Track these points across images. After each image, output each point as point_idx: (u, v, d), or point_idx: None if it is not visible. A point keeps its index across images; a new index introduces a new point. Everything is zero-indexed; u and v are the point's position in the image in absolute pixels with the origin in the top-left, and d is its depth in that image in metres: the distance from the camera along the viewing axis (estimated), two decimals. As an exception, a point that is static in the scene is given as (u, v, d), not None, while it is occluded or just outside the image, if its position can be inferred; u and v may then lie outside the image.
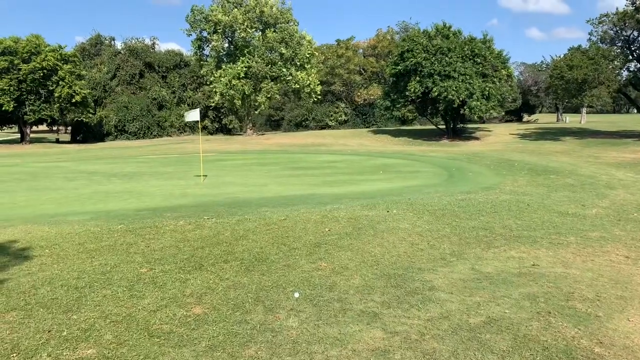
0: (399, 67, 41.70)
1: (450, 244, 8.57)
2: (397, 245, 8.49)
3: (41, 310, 5.79)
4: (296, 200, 12.88)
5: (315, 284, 6.62)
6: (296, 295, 6.20)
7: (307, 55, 53.61)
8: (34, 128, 58.75)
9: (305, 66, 53.54)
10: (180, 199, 13.72)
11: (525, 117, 75.66)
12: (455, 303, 5.98)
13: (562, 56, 42.04)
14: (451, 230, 9.58)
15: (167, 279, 6.83)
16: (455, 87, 38.88)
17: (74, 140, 58.22)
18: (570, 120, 63.73)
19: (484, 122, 60.73)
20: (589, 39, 40.38)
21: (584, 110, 62.65)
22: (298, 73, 52.63)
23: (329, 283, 6.64)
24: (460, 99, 39.08)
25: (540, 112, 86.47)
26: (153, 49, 67.71)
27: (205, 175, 19.15)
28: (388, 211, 11.27)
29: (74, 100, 49.16)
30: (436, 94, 39.30)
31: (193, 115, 18.18)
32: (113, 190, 15.86)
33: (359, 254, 7.94)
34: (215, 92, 51.91)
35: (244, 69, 50.67)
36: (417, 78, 40.48)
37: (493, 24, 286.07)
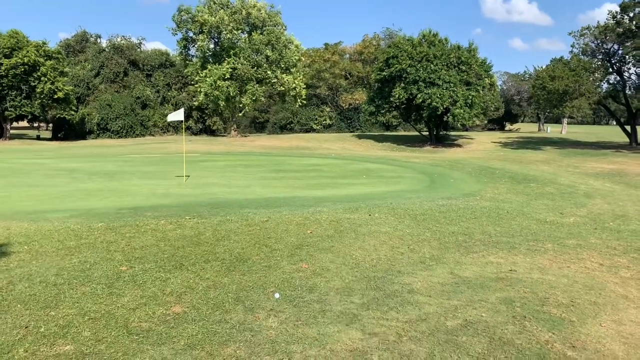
0: (384, 73, 42.01)
1: (430, 248, 8.68)
2: (377, 248, 8.58)
3: (18, 306, 5.75)
4: (279, 202, 12.91)
5: (295, 285, 6.66)
6: (276, 295, 6.23)
7: (294, 60, 53.70)
8: (14, 124, 57.86)
9: (291, 70, 53.62)
10: (161, 198, 13.65)
11: (508, 126, 76.62)
12: (434, 306, 6.07)
13: (544, 67, 42.73)
14: (431, 234, 9.70)
15: (147, 277, 6.82)
16: (439, 95, 39.26)
17: (55, 138, 57.43)
18: (551, 130, 64.73)
19: (466, 130, 61.43)
20: (571, 51, 41.21)
21: (565, 120, 63.69)
22: (284, 76, 52.68)
23: (309, 284, 6.69)
24: (444, 106, 39.49)
25: (522, 121, 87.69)
26: (139, 47, 67.19)
27: (188, 176, 19.08)
28: (370, 215, 11.36)
29: (56, 97, 48.55)
30: (420, 100, 39.65)
31: (177, 115, 18.11)
32: (94, 188, 15.71)
33: (340, 256, 8.00)
34: (200, 92, 51.67)
35: (230, 70, 50.52)
36: (402, 84, 40.83)
37: (477, 33, 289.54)
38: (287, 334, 5.22)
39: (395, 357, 4.83)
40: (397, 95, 40.65)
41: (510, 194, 16.01)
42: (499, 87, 62.29)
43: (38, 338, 5.00)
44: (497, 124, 74.22)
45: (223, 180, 18.27)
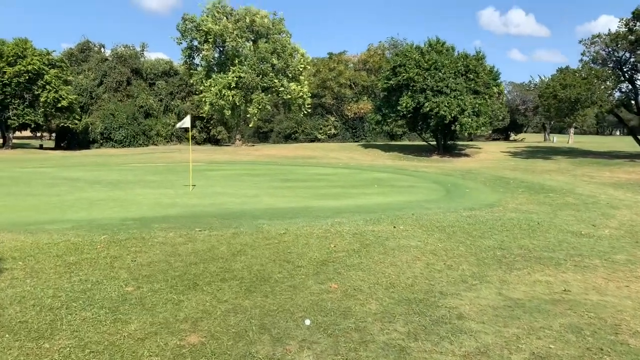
0: (391, 82, 41.27)
1: (468, 265, 7.83)
2: (411, 264, 7.74)
3: (7, 336, 4.91)
4: (292, 213, 12.08)
5: (327, 308, 5.82)
6: (307, 322, 5.40)
7: (300, 68, 53.14)
8: (17, 133, 57.24)
9: (299, 78, 53.03)
10: (168, 208, 12.83)
11: (512, 136, 75.79)
12: (491, 335, 5.22)
13: (552, 76, 41.96)
14: (466, 249, 8.85)
15: (156, 299, 5.99)
16: (447, 103, 38.45)
17: (58, 147, 56.72)
18: (557, 140, 63.89)
19: (471, 140, 60.54)
20: (581, 59, 40.38)
21: (572, 130, 62.89)
22: (291, 84, 52.02)
23: (342, 308, 5.86)
24: (452, 115, 38.64)
25: (526, 131, 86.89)
26: (142, 55, 66.68)
27: (194, 185, 18.28)
28: (394, 227, 10.52)
29: (59, 105, 47.92)
30: (428, 109, 38.79)
31: (184, 123, 17.42)
32: (97, 197, 14.90)
33: (371, 274, 7.17)
34: (205, 101, 51.00)
35: (235, 79, 49.89)
36: (409, 93, 40.04)
37: (476, 45, 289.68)
38: (326, 372, 4.38)
39: (461, 402, 3.99)
40: (404, 104, 39.84)
41: (532, 204, 15.17)
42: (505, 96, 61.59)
43: (29, 377, 4.17)
44: (501, 133, 73.41)
45: (230, 190, 17.46)
